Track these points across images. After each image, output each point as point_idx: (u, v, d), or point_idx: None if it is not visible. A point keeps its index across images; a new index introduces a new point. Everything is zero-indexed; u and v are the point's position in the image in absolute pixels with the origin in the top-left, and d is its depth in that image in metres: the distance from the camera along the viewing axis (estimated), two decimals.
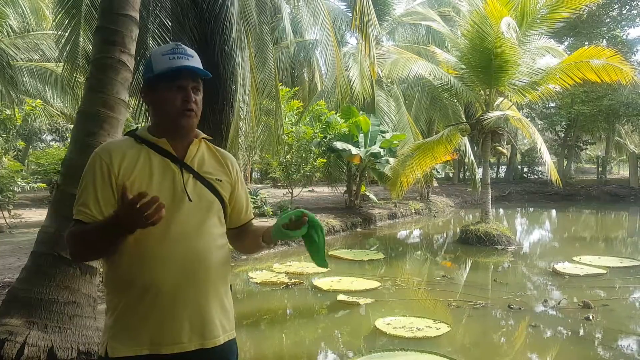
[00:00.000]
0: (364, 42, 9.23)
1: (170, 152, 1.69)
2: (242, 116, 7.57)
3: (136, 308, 1.59)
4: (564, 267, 8.47)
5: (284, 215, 1.65)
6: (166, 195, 1.62)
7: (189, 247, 1.62)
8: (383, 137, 13.66)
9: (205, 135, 1.80)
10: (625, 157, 35.05)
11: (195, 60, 1.70)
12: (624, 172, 36.51)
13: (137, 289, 1.59)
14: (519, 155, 33.45)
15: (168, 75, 1.65)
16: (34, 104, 10.66)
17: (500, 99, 11.68)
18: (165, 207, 1.51)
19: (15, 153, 12.55)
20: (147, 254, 1.59)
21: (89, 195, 1.60)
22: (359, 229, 13.27)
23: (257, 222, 1.96)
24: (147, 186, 1.61)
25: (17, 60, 11.92)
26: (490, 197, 11.69)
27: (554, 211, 21.34)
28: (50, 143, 20.82)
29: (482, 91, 11.75)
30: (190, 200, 1.65)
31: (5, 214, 10.22)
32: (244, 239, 1.90)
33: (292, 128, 12.42)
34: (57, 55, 10.01)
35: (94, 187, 1.60)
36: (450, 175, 28.70)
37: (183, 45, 1.72)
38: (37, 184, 11.02)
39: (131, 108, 6.85)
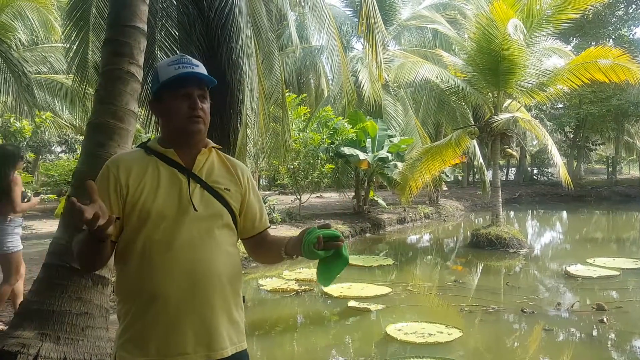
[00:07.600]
0: (370, 48, 9.17)
1: (177, 161, 1.70)
2: (249, 124, 7.58)
3: (143, 317, 1.60)
4: (576, 269, 8.40)
5: (313, 233, 1.58)
6: (172, 204, 1.64)
7: (194, 257, 1.62)
8: (391, 141, 13.63)
9: (214, 145, 1.80)
10: (635, 156, 34.84)
11: (200, 69, 1.71)
12: (634, 171, 36.26)
13: (143, 298, 1.60)
14: (528, 157, 33.26)
15: (173, 83, 1.67)
16: (44, 116, 10.75)
17: (509, 100, 11.65)
18: (171, 217, 1.62)
19: (25, 165, 12.64)
20: (153, 264, 1.60)
21: None
22: (368, 235, 13.23)
23: (271, 232, 1.94)
24: (154, 196, 1.63)
25: None
26: (500, 199, 11.62)
27: (564, 213, 21.20)
28: (60, 154, 20.93)
29: (490, 93, 11.71)
30: (195, 210, 1.65)
31: None
32: (262, 249, 1.87)
33: (299, 134, 12.44)
34: (65, 67, 10.09)
35: (101, 197, 1.63)
36: (460, 178, 28.49)
37: (188, 56, 1.74)
38: (48, 195, 11.10)
39: (140, 119, 6.88)
